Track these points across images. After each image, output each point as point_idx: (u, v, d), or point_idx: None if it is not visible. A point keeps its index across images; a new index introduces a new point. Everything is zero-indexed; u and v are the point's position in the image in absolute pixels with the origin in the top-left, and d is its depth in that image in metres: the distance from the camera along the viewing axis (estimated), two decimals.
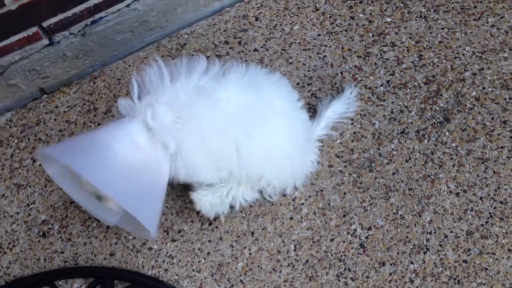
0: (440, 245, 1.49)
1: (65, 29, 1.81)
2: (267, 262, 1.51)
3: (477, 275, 1.43)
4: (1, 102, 1.89)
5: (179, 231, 1.60)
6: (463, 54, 1.82)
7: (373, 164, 1.64)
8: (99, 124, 1.82)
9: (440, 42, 1.86)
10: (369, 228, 1.54)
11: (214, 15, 2.04)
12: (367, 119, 1.73)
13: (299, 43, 1.93)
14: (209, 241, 1.57)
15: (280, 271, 1.50)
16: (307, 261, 1.51)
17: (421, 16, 1.93)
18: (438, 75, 1.79)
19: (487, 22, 1.88)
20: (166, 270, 1.54)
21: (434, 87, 1.76)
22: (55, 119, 1.84)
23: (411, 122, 1.71)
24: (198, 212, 1.61)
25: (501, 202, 1.53)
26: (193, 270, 1.53)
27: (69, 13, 1.77)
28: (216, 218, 1.59)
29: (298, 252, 1.52)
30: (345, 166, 1.65)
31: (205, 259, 1.54)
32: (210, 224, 1.59)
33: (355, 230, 1.54)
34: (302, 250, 1.52)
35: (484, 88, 1.74)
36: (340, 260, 1.50)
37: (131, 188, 1.22)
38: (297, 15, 2.00)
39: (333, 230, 1.55)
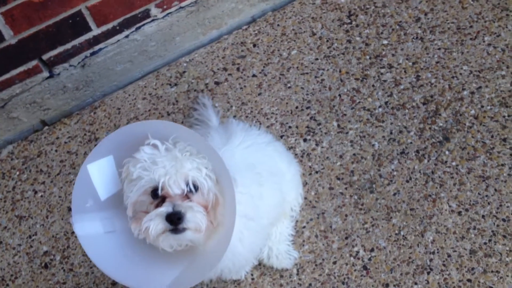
0: (444, 265, 1.47)
1: (65, 61, 1.83)
2: (270, 287, 1.50)
3: None
4: (3, 135, 1.90)
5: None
6: (461, 74, 1.83)
7: (374, 185, 1.64)
8: None
9: (437, 62, 1.87)
10: (372, 250, 1.52)
11: (213, 42, 2.06)
12: (366, 141, 1.73)
13: (297, 67, 1.95)
14: None
15: None
16: (310, 284, 1.49)
17: (417, 38, 1.94)
18: (436, 95, 1.79)
19: (484, 41, 1.89)
20: None
21: (433, 107, 1.76)
22: (56, 150, 1.85)
23: (411, 142, 1.70)
24: None
25: (503, 220, 1.52)
26: None
27: (68, 45, 1.80)
28: None
29: (301, 276, 1.51)
30: (346, 188, 1.65)
31: (207, 286, 1.52)
32: None
33: (357, 252, 1.53)
34: (305, 274, 1.51)
35: (482, 106, 1.74)
36: (343, 283, 1.48)
37: None
38: (295, 40, 2.02)
39: (336, 253, 1.53)
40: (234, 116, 1.86)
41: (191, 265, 1.10)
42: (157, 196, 1.04)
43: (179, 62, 2.03)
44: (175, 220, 1.01)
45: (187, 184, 1.04)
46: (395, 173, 1.65)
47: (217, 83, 1.94)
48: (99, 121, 1.90)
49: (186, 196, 1.04)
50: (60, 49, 1.79)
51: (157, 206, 1.04)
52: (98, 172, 1.10)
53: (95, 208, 1.11)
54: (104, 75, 1.94)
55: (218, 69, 1.98)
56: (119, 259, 1.12)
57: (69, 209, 1.73)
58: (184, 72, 2.00)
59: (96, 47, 1.86)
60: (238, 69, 1.97)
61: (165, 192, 1.03)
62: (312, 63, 1.95)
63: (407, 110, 1.78)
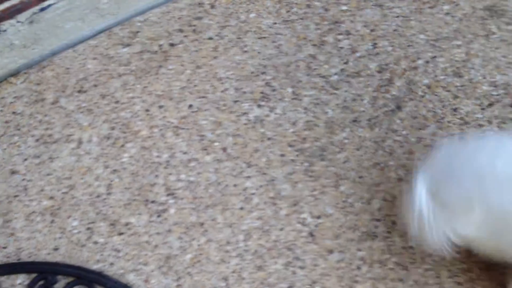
0: (388, 232, 1.49)
1: (12, 17, 1.76)
2: (215, 253, 1.49)
3: (424, 261, 1.44)
4: None
5: (126, 224, 1.57)
6: (417, 42, 1.82)
7: (325, 153, 1.63)
8: (46, 116, 1.77)
9: (394, 30, 1.86)
10: (319, 217, 1.53)
11: (169, 2, 2.01)
12: (320, 108, 1.72)
13: (255, 31, 1.91)
14: (157, 233, 1.54)
15: (229, 262, 1.48)
16: (256, 251, 1.49)
17: (376, 4, 1.92)
18: (392, 64, 1.78)
19: (442, 10, 1.89)
20: (111, 264, 1.51)
21: (387, 76, 1.76)
22: (1, 110, 1.79)
23: (363, 111, 1.70)
24: (146, 205, 1.58)
25: None
26: (140, 263, 1.50)
27: (16, 0, 1.72)
28: (166, 210, 1.57)
29: (248, 242, 1.51)
30: (297, 155, 1.64)
31: (152, 252, 1.51)
32: (159, 216, 1.57)
33: (304, 219, 1.53)
34: (251, 240, 1.51)
35: (436, 76, 1.74)
36: (289, 249, 1.49)
37: None
38: (253, 3, 1.97)
39: (283, 220, 1.53)
40: (188, 80, 1.81)
41: None
42: None
43: (133, 22, 1.96)
44: None
45: None
46: (346, 141, 1.65)
47: (171, 45, 1.90)
48: (47, 81, 1.83)
49: None
50: (7, 4, 1.72)
51: None
52: None
53: None
54: (53, 33, 1.87)
55: (173, 30, 1.93)
56: None
57: (12, 172, 1.68)
58: (137, 32, 1.94)
59: (46, 3, 1.79)
60: (194, 31, 1.93)
61: None
62: (270, 27, 1.91)
63: (362, 78, 1.77)
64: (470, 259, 1.43)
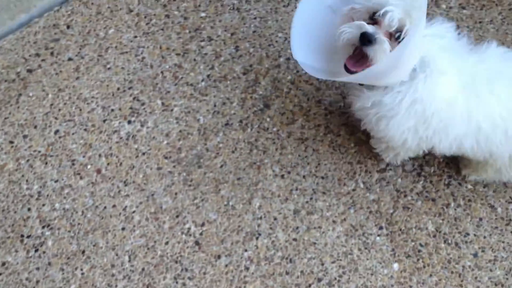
0: (271, 228, 1.53)
1: None
2: (101, 279, 1.45)
3: (307, 251, 1.50)
4: None
5: (3, 264, 1.47)
6: (276, 41, 1.88)
7: (202, 160, 1.64)
8: None
9: (254, 31, 1.91)
10: (203, 224, 1.54)
11: (22, 27, 1.91)
12: (191, 116, 1.73)
13: (116, 47, 1.87)
14: (37, 268, 1.46)
15: (116, 285, 1.44)
16: (143, 269, 1.47)
17: (234, 8, 1.96)
18: (255, 64, 1.83)
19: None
20: None
21: (252, 76, 1.80)
22: None
23: (234, 113, 1.73)
24: (22, 241, 1.50)
25: (322, 178, 1.61)
26: None
27: None
28: (43, 243, 1.49)
29: (133, 262, 1.48)
30: (174, 166, 1.63)
31: None
32: (37, 250, 1.49)
33: (189, 228, 1.53)
34: (137, 260, 1.48)
35: (298, 71, 1.81)
36: (176, 262, 1.48)
37: None
38: (111, 19, 1.94)
39: (167, 233, 1.52)
40: (52, 105, 1.74)
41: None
42: (372, 18, 1.20)
43: None
44: (365, 41, 1.17)
45: (398, 31, 1.17)
46: (221, 145, 1.67)
47: (29, 71, 1.81)
48: None
49: (389, 34, 1.18)
50: None
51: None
52: None
53: None
54: None
55: (30, 55, 1.85)
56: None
57: None
58: None
59: None
60: (52, 53, 1.85)
61: (380, 20, 1.18)
62: (131, 41, 1.89)
63: (228, 82, 1.80)
64: (349, 243, 1.51)
